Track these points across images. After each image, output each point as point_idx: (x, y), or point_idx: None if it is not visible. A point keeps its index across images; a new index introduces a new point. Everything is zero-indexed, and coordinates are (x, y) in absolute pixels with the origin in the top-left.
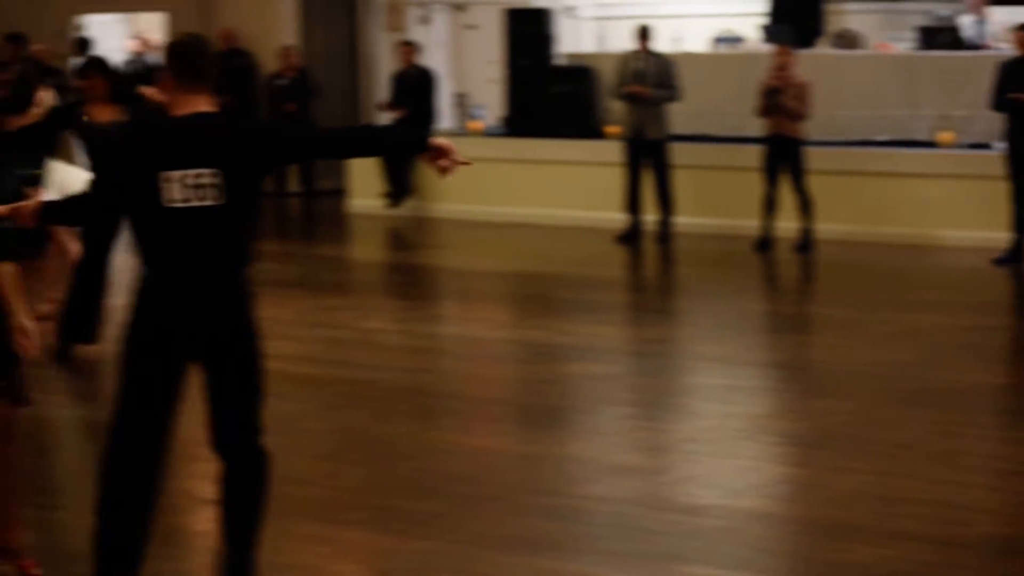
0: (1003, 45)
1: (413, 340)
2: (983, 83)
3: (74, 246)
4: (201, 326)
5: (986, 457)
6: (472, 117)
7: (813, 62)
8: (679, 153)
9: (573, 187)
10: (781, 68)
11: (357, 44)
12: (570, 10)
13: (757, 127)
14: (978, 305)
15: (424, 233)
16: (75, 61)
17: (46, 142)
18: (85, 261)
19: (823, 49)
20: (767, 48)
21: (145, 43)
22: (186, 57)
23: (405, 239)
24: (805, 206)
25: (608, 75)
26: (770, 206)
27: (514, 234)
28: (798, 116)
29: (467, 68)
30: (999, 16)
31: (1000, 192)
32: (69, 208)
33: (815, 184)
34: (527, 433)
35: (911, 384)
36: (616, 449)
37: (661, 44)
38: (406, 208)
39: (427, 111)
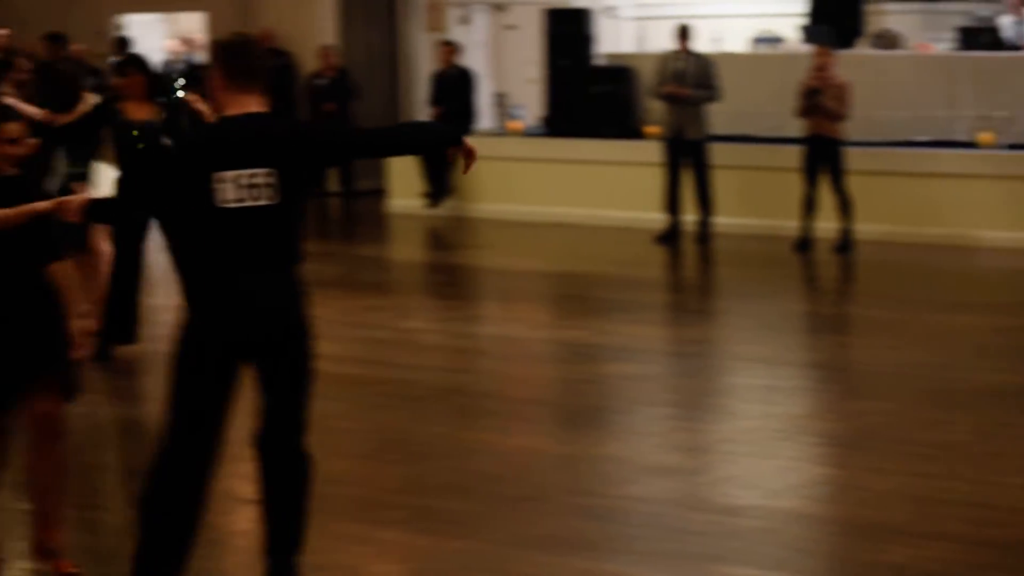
0: None
1: (452, 340)
2: (1023, 83)
3: (105, 246)
4: (256, 327)
5: None
6: (511, 117)
7: (853, 62)
8: (719, 153)
9: (612, 187)
10: (821, 68)
11: (397, 44)
12: (610, 10)
13: (797, 127)
14: (1018, 306)
15: (463, 233)
16: (114, 61)
17: (90, 140)
18: (118, 261)
19: (863, 49)
20: (807, 48)
21: (189, 43)
22: (238, 57)
23: (444, 239)
24: (844, 206)
25: (648, 75)
26: (809, 206)
27: (553, 234)
28: (838, 116)
29: (507, 68)
30: None
31: None
32: (115, 206)
33: (854, 184)
34: (566, 433)
35: (950, 385)
36: (655, 449)
37: (701, 44)
38: (445, 208)
39: (467, 111)
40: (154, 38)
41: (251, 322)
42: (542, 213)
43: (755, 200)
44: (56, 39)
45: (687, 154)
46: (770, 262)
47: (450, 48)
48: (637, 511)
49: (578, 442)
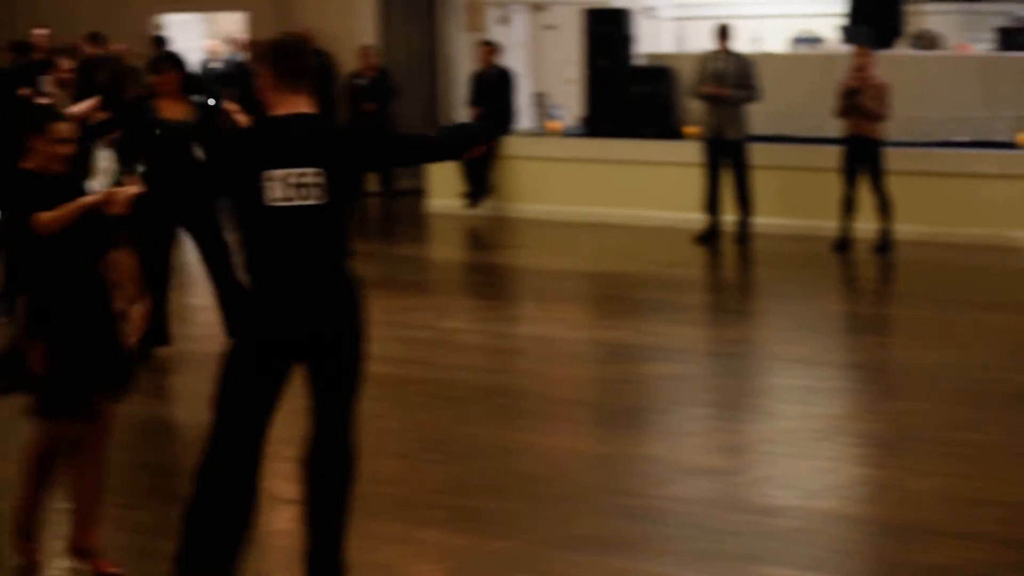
0: None
1: (492, 340)
2: None
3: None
4: (302, 326)
5: None
6: (551, 117)
7: (892, 63)
8: (758, 153)
9: (652, 187)
10: (860, 69)
11: (436, 44)
12: (649, 10)
13: (836, 128)
14: None
15: (503, 233)
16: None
17: (133, 137)
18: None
19: (902, 50)
20: (846, 49)
21: (235, 43)
22: (288, 57)
23: (484, 239)
24: (884, 207)
25: (687, 75)
26: (849, 207)
27: (592, 234)
28: (877, 117)
29: (546, 68)
30: None
31: None
32: (162, 200)
33: (894, 185)
34: (604, 433)
35: (989, 385)
36: (693, 450)
37: (740, 44)
38: (485, 208)
39: (506, 111)
40: (193, 38)
41: (297, 321)
42: (581, 213)
43: (794, 200)
44: (96, 38)
45: (726, 154)
46: (809, 262)
47: (489, 48)
48: (675, 511)
49: (617, 442)
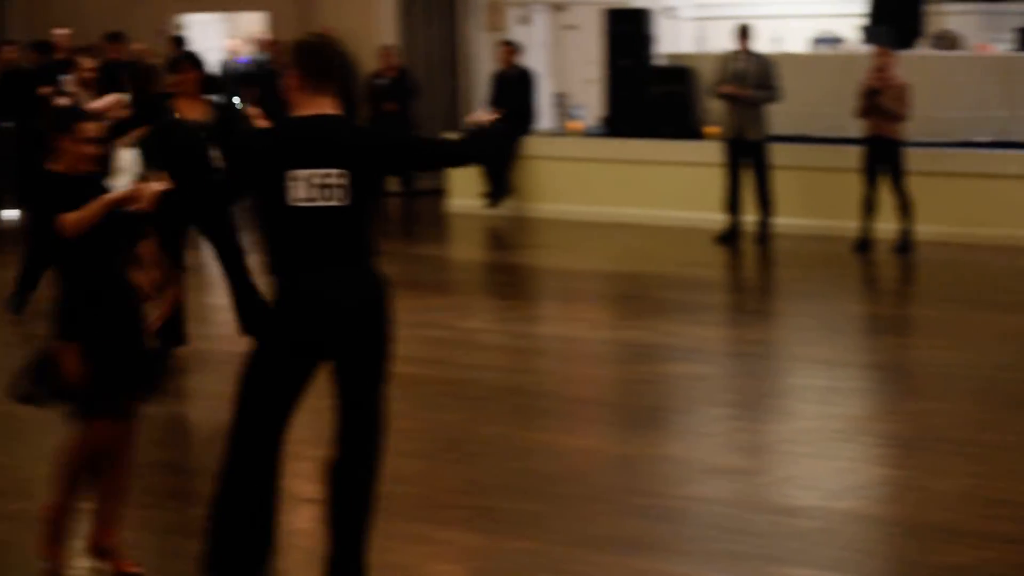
0: None
1: (512, 340)
2: None
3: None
4: (333, 326)
5: None
6: (571, 117)
7: (913, 63)
8: (778, 154)
9: (672, 187)
10: (881, 69)
11: (457, 44)
12: (670, 10)
13: (857, 128)
14: None
15: (523, 233)
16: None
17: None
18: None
19: (923, 50)
20: (867, 49)
21: (256, 43)
22: (316, 57)
23: (504, 239)
24: (904, 207)
25: (708, 75)
26: (869, 207)
27: (613, 234)
28: (898, 117)
29: (567, 68)
30: None
31: None
32: (187, 198)
33: (915, 185)
34: (625, 433)
35: (1011, 386)
36: (714, 450)
37: (761, 44)
38: (505, 208)
39: (527, 111)
40: (214, 38)
41: (324, 320)
42: (602, 213)
43: (815, 201)
44: (116, 38)
45: (747, 154)
46: (830, 263)
47: (510, 48)
48: (695, 511)
49: (637, 442)
